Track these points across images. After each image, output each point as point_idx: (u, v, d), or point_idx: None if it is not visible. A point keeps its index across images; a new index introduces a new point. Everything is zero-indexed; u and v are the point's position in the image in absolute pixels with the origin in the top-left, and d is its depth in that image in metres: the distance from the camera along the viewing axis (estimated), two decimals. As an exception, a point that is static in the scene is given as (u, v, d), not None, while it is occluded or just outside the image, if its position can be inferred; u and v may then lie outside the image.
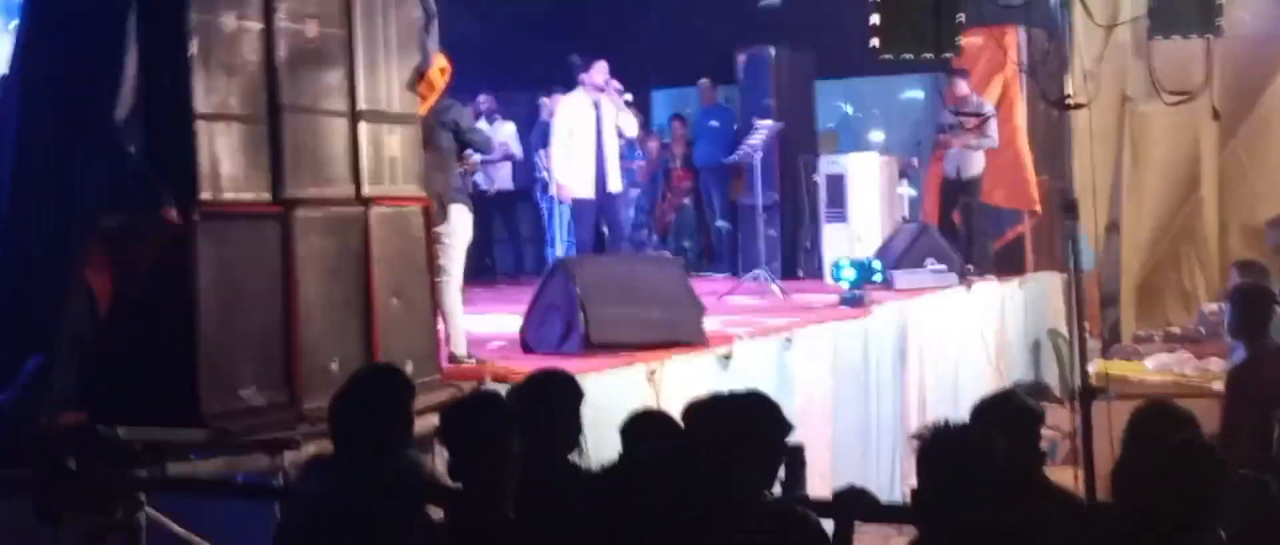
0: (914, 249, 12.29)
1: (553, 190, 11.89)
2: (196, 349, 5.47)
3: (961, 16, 7.53)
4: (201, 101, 5.54)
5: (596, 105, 11.37)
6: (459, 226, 7.70)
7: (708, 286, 11.32)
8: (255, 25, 5.77)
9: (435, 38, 7.11)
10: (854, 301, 10.62)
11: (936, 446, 3.66)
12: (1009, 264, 13.72)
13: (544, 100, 13.37)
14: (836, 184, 13.53)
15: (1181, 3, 8.11)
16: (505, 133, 13.93)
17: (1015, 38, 12.54)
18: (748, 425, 4.05)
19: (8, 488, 5.11)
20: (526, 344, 8.49)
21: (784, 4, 15.03)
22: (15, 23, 6.61)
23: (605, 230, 11.82)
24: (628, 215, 13.23)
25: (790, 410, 4.40)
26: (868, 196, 13.40)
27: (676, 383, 7.53)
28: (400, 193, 6.54)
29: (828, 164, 13.78)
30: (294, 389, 5.80)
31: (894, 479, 9.80)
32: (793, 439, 4.25)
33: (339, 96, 6.19)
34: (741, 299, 11.45)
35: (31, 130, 5.79)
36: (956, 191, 13.09)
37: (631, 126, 11.79)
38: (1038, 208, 13.84)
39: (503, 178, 14.13)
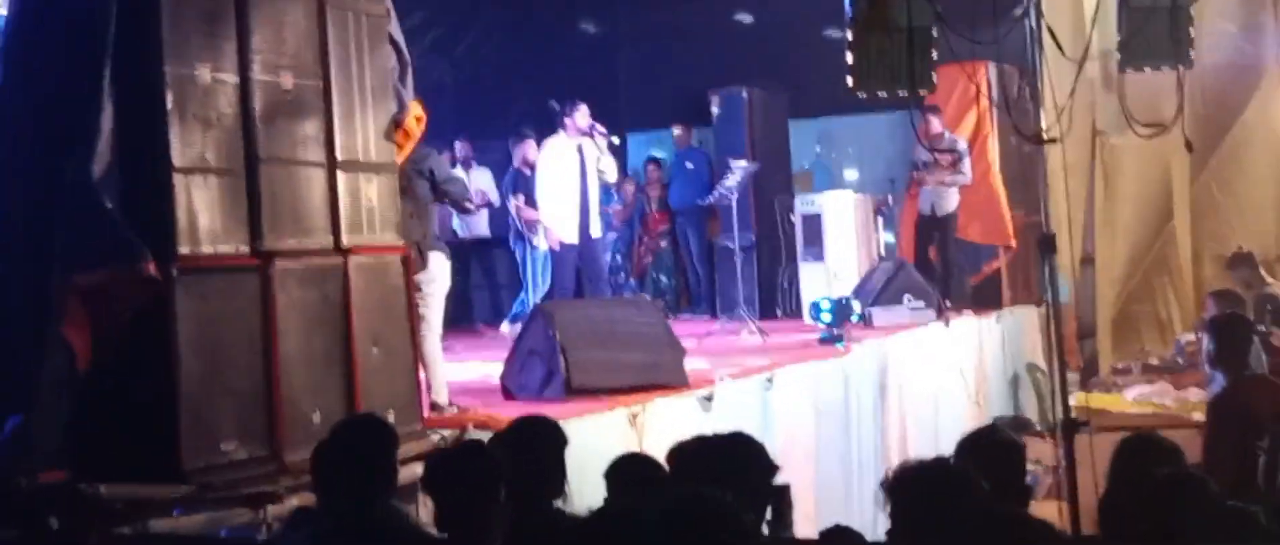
0: (891, 286, 12.33)
1: (539, 236, 11.78)
2: (177, 403, 5.42)
3: (934, 54, 7.56)
4: (178, 155, 5.51)
5: (579, 150, 11.32)
6: (438, 274, 7.69)
7: (686, 328, 11.30)
8: (231, 78, 5.76)
9: (410, 85, 7.11)
10: (833, 340, 10.63)
11: (913, 486, 3.66)
12: (986, 299, 13.78)
13: (515, 146, 13.29)
14: (813, 223, 13.52)
15: (1152, 34, 8.15)
16: (482, 181, 13.89)
17: (986, 73, 12.60)
18: (733, 467, 4.05)
19: (-10, 549, 5.07)
20: (507, 390, 8.47)
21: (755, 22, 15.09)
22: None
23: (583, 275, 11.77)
24: (605, 259, 13.20)
25: (773, 450, 4.41)
26: (844, 235, 13.40)
27: (659, 425, 7.52)
28: (379, 242, 6.52)
29: (803, 203, 13.79)
30: (276, 442, 5.76)
31: (877, 518, 9.74)
32: (778, 479, 4.25)
33: (316, 147, 6.18)
34: (721, 340, 11.46)
35: (6, 187, 5.75)
36: (932, 228, 13.17)
37: (612, 171, 11.74)
38: (1013, 242, 13.91)
39: (479, 225, 14.06)
